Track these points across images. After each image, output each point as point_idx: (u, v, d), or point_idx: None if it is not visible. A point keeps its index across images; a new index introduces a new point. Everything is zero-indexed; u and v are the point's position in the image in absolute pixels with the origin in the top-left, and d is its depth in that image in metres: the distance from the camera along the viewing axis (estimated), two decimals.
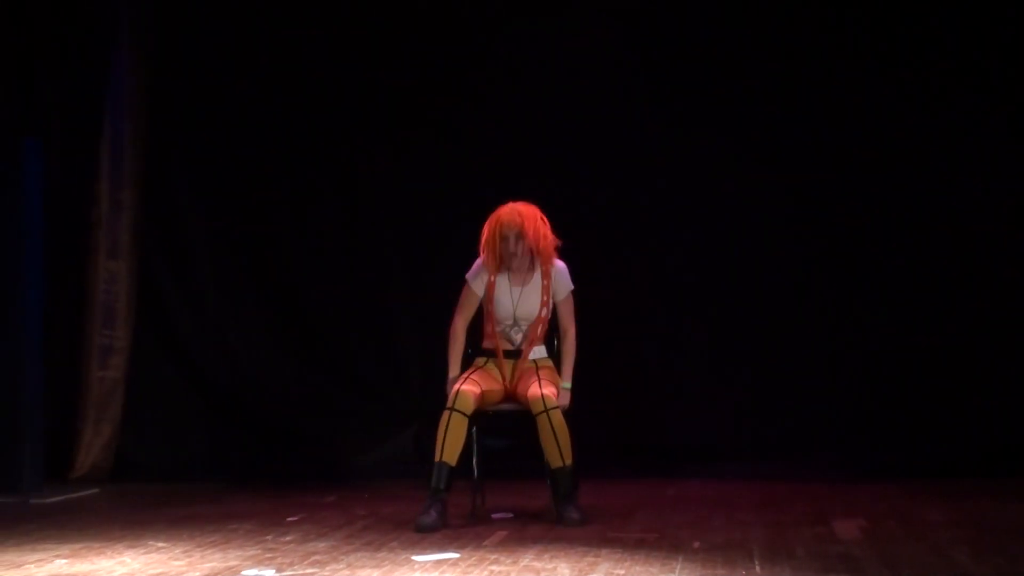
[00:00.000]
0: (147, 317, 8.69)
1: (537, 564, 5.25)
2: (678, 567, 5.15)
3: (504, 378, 6.58)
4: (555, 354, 6.65)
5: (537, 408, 6.29)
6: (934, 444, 7.98)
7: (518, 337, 6.59)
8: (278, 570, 5.25)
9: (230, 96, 8.76)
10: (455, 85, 8.62)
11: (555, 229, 6.76)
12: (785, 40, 8.31)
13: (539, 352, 6.61)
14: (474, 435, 6.52)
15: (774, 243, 8.37)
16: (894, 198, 8.23)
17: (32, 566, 5.51)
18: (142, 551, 5.80)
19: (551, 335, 6.66)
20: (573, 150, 8.49)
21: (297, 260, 8.83)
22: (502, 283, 6.58)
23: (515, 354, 6.58)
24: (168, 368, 8.75)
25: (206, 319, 8.79)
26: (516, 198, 6.60)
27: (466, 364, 6.62)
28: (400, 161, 8.67)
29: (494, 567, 5.22)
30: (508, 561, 5.33)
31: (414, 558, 5.44)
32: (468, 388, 6.34)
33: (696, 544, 5.65)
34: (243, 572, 5.23)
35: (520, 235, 6.45)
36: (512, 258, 6.50)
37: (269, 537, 6.07)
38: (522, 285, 6.57)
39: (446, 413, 6.27)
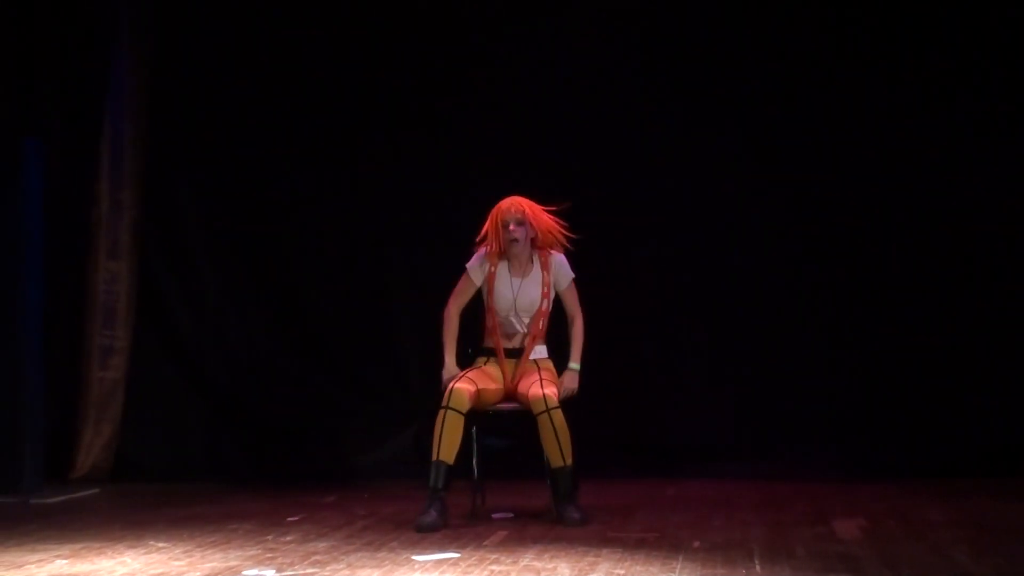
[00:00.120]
0: (147, 317, 8.69)
1: (537, 564, 5.26)
2: (678, 567, 5.15)
3: (504, 378, 6.58)
4: (556, 352, 6.65)
5: (539, 408, 6.29)
6: (934, 444, 7.98)
7: (519, 331, 6.59)
8: (278, 570, 5.25)
9: (230, 96, 8.76)
10: (455, 85, 8.62)
11: None
12: (785, 40, 8.31)
13: (540, 352, 6.62)
14: (474, 435, 6.53)
15: (774, 243, 8.37)
16: (894, 198, 8.23)
17: (32, 566, 5.51)
18: (142, 551, 5.80)
19: (550, 334, 6.66)
20: (573, 150, 8.49)
21: (297, 260, 8.83)
22: (502, 274, 6.60)
23: (516, 353, 6.58)
24: (168, 368, 8.75)
25: (206, 319, 8.79)
26: (516, 194, 6.65)
27: (467, 364, 6.62)
28: (400, 161, 8.67)
29: (494, 567, 5.22)
30: (508, 561, 5.33)
31: (414, 558, 5.44)
32: (463, 386, 6.34)
33: (696, 544, 5.65)
34: (243, 572, 5.23)
35: (521, 220, 6.52)
36: (514, 244, 6.53)
37: (269, 537, 6.07)
38: (522, 276, 6.59)
39: (441, 412, 6.27)
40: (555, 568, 5.17)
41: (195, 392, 8.75)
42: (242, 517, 6.71)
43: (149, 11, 8.63)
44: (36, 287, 7.90)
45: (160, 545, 5.94)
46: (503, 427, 7.03)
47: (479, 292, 6.65)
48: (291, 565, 5.35)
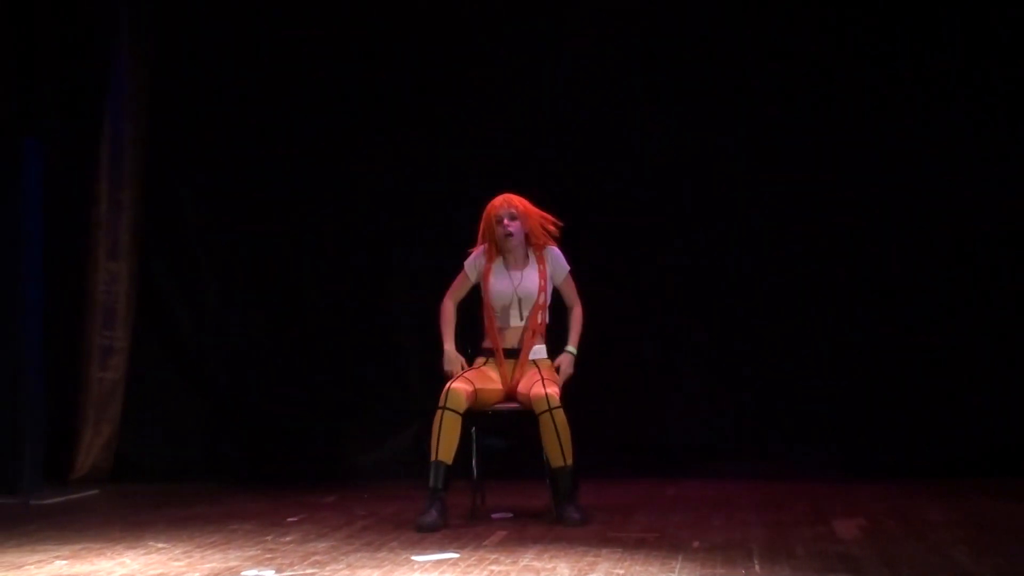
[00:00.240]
0: (147, 317, 8.69)
1: (537, 564, 5.25)
2: (677, 567, 5.15)
3: (504, 378, 6.58)
4: (554, 354, 6.65)
5: (540, 407, 6.29)
6: (934, 444, 7.97)
7: (517, 325, 6.59)
8: (278, 571, 5.25)
9: (230, 96, 8.76)
10: (455, 85, 8.63)
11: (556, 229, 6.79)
12: (785, 40, 8.31)
13: (539, 352, 6.62)
14: (473, 435, 6.54)
15: (774, 243, 8.37)
16: (894, 198, 8.23)
17: (32, 567, 5.51)
18: (142, 552, 5.80)
19: (550, 332, 6.66)
20: (573, 150, 8.50)
21: (297, 260, 8.83)
22: (498, 269, 6.63)
23: (515, 354, 6.59)
24: (168, 368, 8.75)
25: (206, 319, 8.79)
26: (509, 192, 6.68)
27: (467, 363, 6.63)
28: (400, 161, 8.67)
29: (494, 567, 5.22)
30: (508, 561, 5.33)
31: (414, 558, 5.44)
32: (460, 386, 6.35)
33: (696, 544, 5.65)
34: (243, 573, 5.23)
35: (514, 215, 6.59)
36: (509, 238, 6.56)
37: (269, 537, 6.07)
38: (520, 269, 6.64)
39: (439, 412, 6.27)
40: (554, 568, 5.16)
41: (195, 392, 8.76)
42: (242, 517, 6.71)
43: (149, 11, 8.64)
44: (36, 287, 7.90)
45: (159, 546, 5.94)
46: (503, 427, 7.03)
47: (476, 290, 6.67)
48: (291, 565, 5.35)
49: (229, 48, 8.74)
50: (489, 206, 6.64)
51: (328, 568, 5.27)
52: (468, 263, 6.69)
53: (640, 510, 6.74)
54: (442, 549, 5.61)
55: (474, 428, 6.52)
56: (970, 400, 8.04)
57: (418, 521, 6.15)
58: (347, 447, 8.56)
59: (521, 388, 6.48)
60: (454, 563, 5.32)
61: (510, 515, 6.56)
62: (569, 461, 6.29)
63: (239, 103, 8.76)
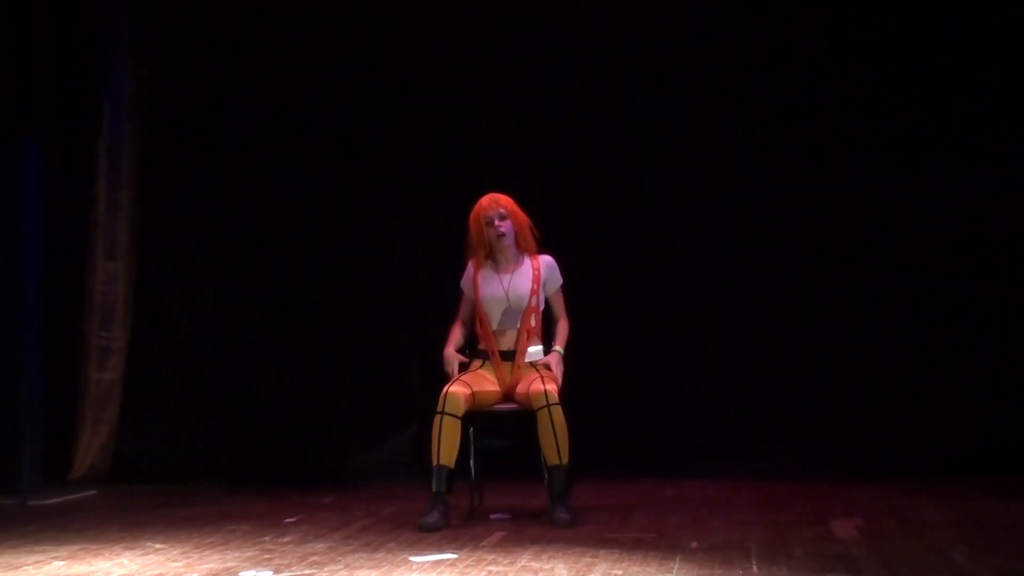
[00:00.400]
0: (145, 318, 8.69)
1: (535, 564, 5.25)
2: (675, 567, 5.14)
3: (501, 379, 6.57)
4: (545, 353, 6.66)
5: (539, 403, 6.27)
6: (933, 444, 7.96)
7: (512, 328, 6.58)
8: (276, 571, 5.25)
9: (229, 96, 8.76)
10: (455, 85, 8.62)
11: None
12: (785, 40, 8.29)
13: (536, 354, 6.61)
14: (472, 435, 6.53)
15: (774, 243, 8.36)
16: (894, 198, 8.21)
17: (30, 568, 5.52)
18: (140, 552, 5.80)
19: (545, 334, 6.65)
20: (574, 150, 8.48)
21: (297, 260, 8.83)
22: (488, 275, 6.62)
23: (511, 355, 6.58)
24: (167, 368, 8.74)
25: (205, 319, 8.79)
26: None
27: (464, 365, 6.62)
28: (400, 161, 8.67)
29: (492, 567, 5.21)
30: (506, 562, 5.33)
31: (412, 559, 5.43)
32: (458, 389, 6.34)
33: (694, 544, 5.65)
34: (241, 573, 5.23)
35: (504, 215, 6.58)
36: (500, 240, 6.56)
37: (267, 538, 6.07)
38: (511, 272, 6.62)
39: (437, 417, 6.26)
40: (552, 569, 5.16)
41: (193, 393, 8.75)
42: (240, 518, 6.71)
43: (149, 11, 8.64)
44: (35, 288, 7.89)
45: (158, 546, 5.94)
46: (501, 427, 7.02)
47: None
48: (289, 566, 5.35)
49: (229, 48, 8.74)
50: (476, 209, 6.60)
51: (326, 569, 5.27)
52: (463, 283, 6.68)
53: (639, 510, 6.73)
54: (440, 550, 5.61)
55: (472, 428, 6.52)
56: (970, 400, 8.02)
57: (421, 521, 6.15)
58: (346, 447, 8.54)
59: (520, 387, 6.47)
60: (452, 564, 5.32)
61: (508, 516, 6.55)
62: (564, 461, 6.27)
63: (239, 103, 8.75)
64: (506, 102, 8.51)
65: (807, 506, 6.81)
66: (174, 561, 5.58)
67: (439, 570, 5.21)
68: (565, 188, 8.32)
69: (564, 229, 7.88)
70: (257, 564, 5.41)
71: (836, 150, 8.28)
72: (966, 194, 8.09)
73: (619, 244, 8.41)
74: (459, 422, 6.28)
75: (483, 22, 8.57)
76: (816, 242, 8.31)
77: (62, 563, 5.59)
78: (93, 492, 8.02)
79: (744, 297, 8.39)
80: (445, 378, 6.47)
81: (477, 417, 6.51)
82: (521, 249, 6.65)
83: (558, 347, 6.61)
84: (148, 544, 6.00)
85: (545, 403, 6.26)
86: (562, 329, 6.67)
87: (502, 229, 6.57)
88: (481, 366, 6.61)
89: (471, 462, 6.60)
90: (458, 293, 6.72)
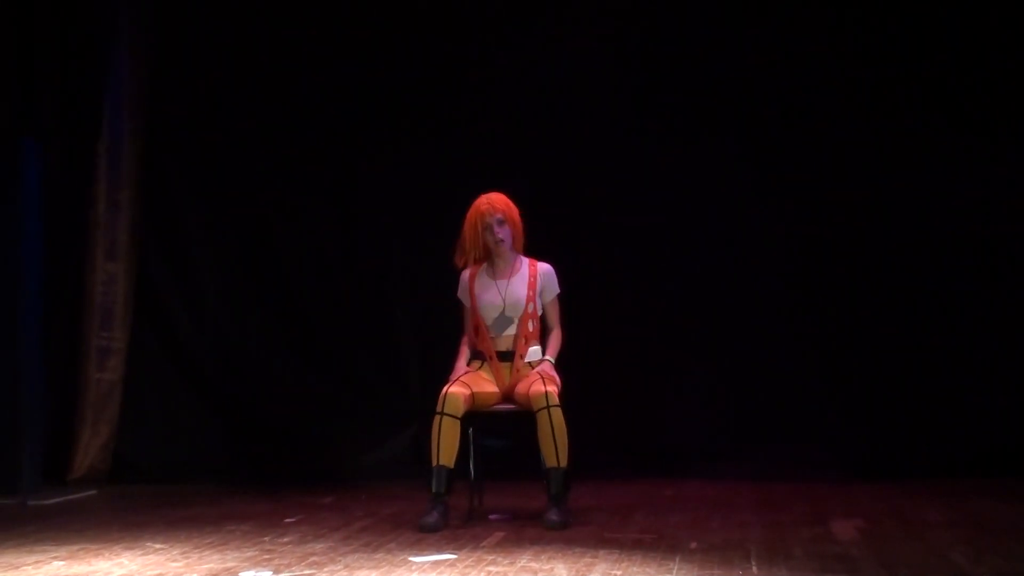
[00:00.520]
0: (145, 318, 8.69)
1: (534, 565, 5.25)
2: (675, 568, 5.14)
3: (500, 380, 6.57)
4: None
5: (539, 404, 6.26)
6: (933, 444, 7.96)
7: (510, 333, 6.57)
8: (276, 571, 5.25)
9: (229, 96, 8.76)
10: (454, 86, 8.61)
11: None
12: (785, 41, 8.29)
13: (535, 355, 6.60)
14: (471, 436, 6.53)
15: (774, 244, 8.35)
16: (894, 198, 8.21)
17: (30, 568, 5.51)
18: (140, 552, 5.80)
19: (543, 337, 6.65)
20: (573, 150, 8.48)
21: (297, 261, 8.82)
22: (484, 280, 6.61)
23: (509, 356, 6.58)
24: (167, 369, 8.74)
25: (204, 320, 8.78)
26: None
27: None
28: (400, 162, 8.66)
29: (491, 568, 5.21)
30: (505, 562, 5.33)
31: (411, 559, 5.43)
32: (457, 390, 6.33)
33: (693, 544, 5.65)
34: (241, 573, 5.23)
35: (503, 219, 6.55)
36: (499, 244, 6.54)
37: (267, 538, 6.07)
38: (508, 277, 6.60)
39: (436, 418, 6.26)
40: (552, 569, 5.16)
41: (193, 393, 8.75)
42: (240, 518, 6.71)
43: (149, 11, 8.64)
44: (35, 288, 7.89)
45: (157, 546, 5.94)
46: (501, 428, 7.01)
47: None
48: (288, 566, 5.35)
49: (229, 48, 8.74)
50: (474, 213, 6.57)
51: (326, 569, 5.27)
52: (459, 294, 6.67)
53: (638, 510, 6.73)
54: (440, 550, 5.61)
55: (471, 429, 6.51)
56: (970, 400, 8.02)
57: (421, 521, 6.16)
58: (346, 448, 8.54)
59: (519, 388, 6.47)
60: (452, 564, 5.32)
61: (508, 516, 6.55)
62: (563, 463, 6.26)
63: (238, 103, 8.75)
64: (506, 102, 8.51)
65: (807, 506, 6.81)
66: (174, 561, 5.58)
67: (439, 570, 5.21)
68: (565, 188, 8.31)
69: (563, 229, 7.92)
70: (257, 564, 5.41)
71: (836, 150, 8.28)
72: (966, 194, 8.09)
73: (619, 244, 8.41)
74: (458, 423, 6.28)
75: (483, 22, 8.57)
76: (816, 242, 8.31)
77: (62, 563, 5.59)
78: (93, 492, 8.02)
79: (744, 297, 8.39)
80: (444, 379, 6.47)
81: (476, 418, 6.51)
82: (517, 252, 6.64)
83: (549, 357, 6.58)
84: (148, 544, 6.00)
85: (545, 404, 6.25)
86: (554, 339, 6.64)
87: (500, 236, 6.53)
88: (480, 367, 6.61)
89: (471, 463, 6.60)
90: (456, 303, 6.71)
